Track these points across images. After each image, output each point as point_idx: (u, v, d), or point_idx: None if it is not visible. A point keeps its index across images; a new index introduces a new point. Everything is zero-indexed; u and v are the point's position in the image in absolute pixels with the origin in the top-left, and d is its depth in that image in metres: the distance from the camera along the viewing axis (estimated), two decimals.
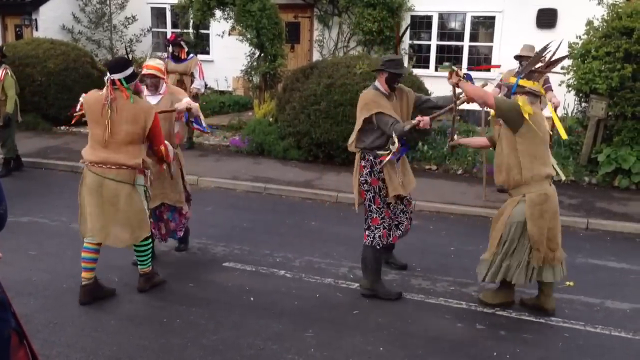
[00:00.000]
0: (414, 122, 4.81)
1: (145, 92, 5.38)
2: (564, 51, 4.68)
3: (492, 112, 8.82)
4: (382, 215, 5.09)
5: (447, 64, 4.05)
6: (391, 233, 5.20)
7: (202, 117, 5.65)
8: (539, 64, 4.75)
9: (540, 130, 4.54)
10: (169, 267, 5.68)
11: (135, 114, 4.60)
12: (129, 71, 4.64)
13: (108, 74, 4.65)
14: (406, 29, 12.36)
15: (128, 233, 4.76)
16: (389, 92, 5.05)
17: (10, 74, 8.81)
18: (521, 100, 4.57)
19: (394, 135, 4.79)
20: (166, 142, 4.95)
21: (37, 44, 12.64)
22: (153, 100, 5.36)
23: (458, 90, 4.97)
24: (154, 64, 5.39)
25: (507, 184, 4.72)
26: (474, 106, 8.19)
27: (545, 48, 4.80)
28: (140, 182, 4.80)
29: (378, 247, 5.10)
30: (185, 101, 5.39)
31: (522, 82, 4.61)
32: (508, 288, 4.91)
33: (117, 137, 4.60)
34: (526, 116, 4.46)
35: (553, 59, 4.75)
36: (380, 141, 5.00)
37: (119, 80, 4.58)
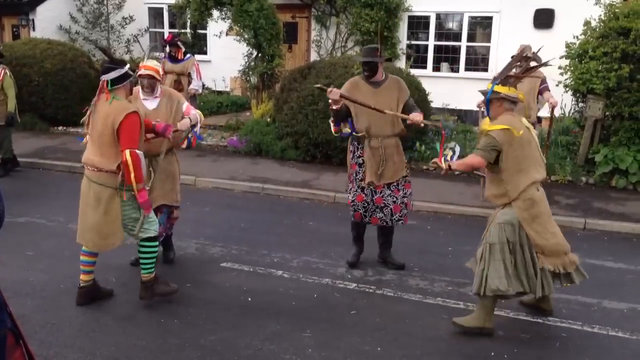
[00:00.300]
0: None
1: (142, 95, 5.27)
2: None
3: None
4: (354, 199, 5.49)
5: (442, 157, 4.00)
6: (367, 214, 5.50)
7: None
8: (515, 69, 4.66)
9: (516, 144, 4.37)
10: (166, 267, 5.68)
11: (106, 113, 4.49)
12: (116, 73, 4.55)
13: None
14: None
15: (97, 238, 4.62)
16: (371, 80, 5.40)
17: (9, 74, 8.80)
18: (482, 129, 4.57)
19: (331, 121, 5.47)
20: (140, 153, 4.49)
21: (34, 44, 12.61)
22: (152, 104, 5.25)
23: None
24: (151, 65, 5.25)
25: (495, 202, 4.65)
26: (471, 106, 8.24)
27: (521, 54, 4.76)
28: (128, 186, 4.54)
29: (352, 220, 5.68)
30: (187, 121, 5.21)
31: (497, 88, 4.47)
32: (487, 314, 4.56)
33: (93, 138, 4.58)
34: (486, 128, 4.46)
35: (534, 63, 4.65)
36: (356, 126, 5.40)
37: (106, 81, 4.55)
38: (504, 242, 4.43)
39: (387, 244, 5.82)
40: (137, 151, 4.48)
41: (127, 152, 4.41)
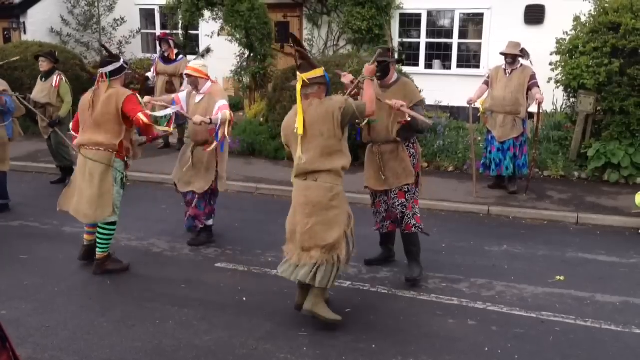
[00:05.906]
0: None
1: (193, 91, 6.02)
2: None
3: (481, 108, 8.85)
4: (373, 205, 5.66)
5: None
6: (383, 224, 5.64)
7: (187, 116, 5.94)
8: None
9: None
10: (161, 268, 5.69)
11: (108, 97, 5.22)
12: (113, 66, 5.32)
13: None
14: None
15: (92, 210, 5.26)
16: (382, 81, 5.39)
17: (65, 80, 8.67)
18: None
19: None
20: (148, 114, 5.32)
21: (25, 47, 12.56)
22: (197, 98, 5.98)
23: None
24: (193, 65, 5.99)
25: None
26: (464, 103, 8.27)
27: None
28: (118, 166, 5.34)
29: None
30: (207, 119, 5.62)
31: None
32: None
33: (95, 121, 5.26)
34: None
35: None
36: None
37: (104, 73, 5.29)
38: None
39: (407, 255, 5.60)
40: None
41: (140, 114, 5.16)
